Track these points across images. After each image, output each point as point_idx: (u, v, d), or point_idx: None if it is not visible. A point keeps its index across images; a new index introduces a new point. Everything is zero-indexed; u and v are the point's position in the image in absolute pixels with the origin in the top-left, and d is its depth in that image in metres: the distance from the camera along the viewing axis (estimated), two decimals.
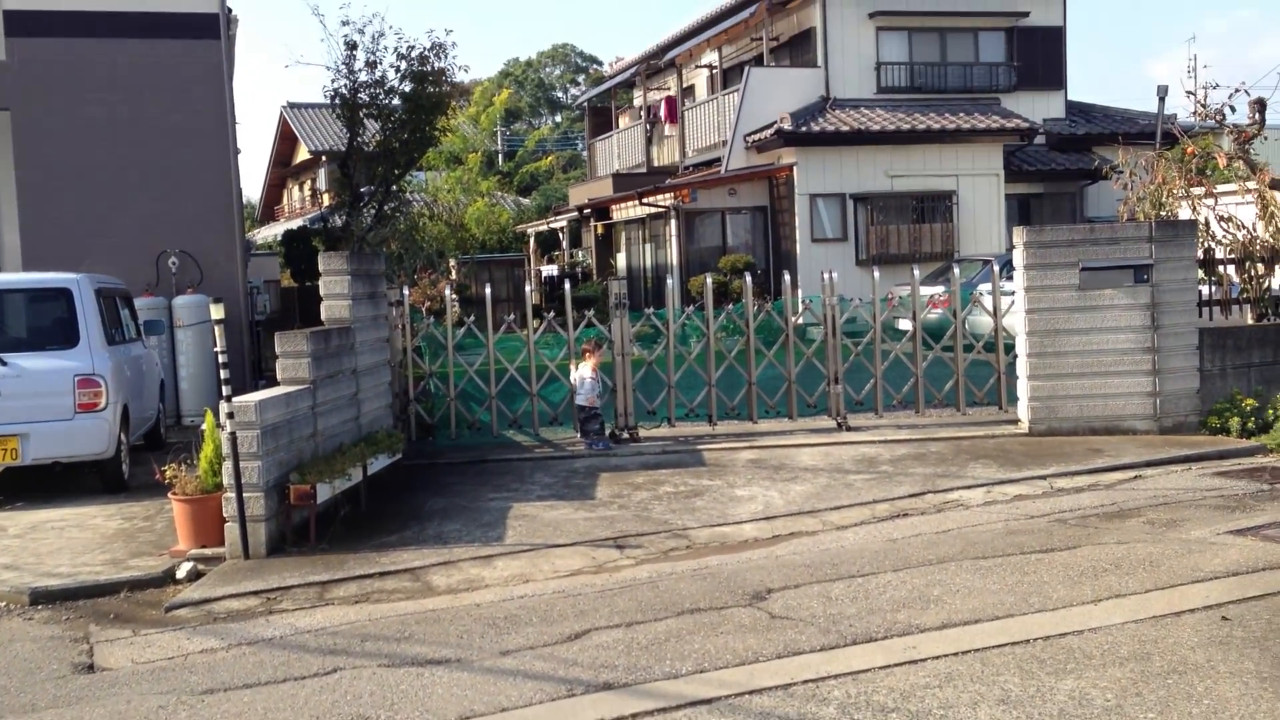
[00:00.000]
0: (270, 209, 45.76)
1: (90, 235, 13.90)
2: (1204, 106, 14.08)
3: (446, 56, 18.96)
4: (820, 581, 6.90)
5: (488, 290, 11.83)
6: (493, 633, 6.18)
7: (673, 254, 24.28)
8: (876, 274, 12.29)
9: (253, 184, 52.18)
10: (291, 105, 39.96)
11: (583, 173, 39.96)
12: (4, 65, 13.97)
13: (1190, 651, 5.40)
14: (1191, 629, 5.73)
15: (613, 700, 5.06)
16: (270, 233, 36.76)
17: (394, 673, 5.57)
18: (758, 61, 25.80)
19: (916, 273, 12.51)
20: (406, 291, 11.46)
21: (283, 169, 43.41)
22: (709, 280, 12.11)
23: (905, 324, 12.34)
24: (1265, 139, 13.84)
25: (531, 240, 35.05)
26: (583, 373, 11.15)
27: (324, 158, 34.70)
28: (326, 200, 29.20)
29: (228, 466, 7.77)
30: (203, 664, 5.96)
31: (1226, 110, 13.72)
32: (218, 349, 7.93)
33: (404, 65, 18.71)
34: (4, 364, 9.60)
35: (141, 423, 11.30)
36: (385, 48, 20.36)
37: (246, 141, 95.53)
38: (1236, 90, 13.54)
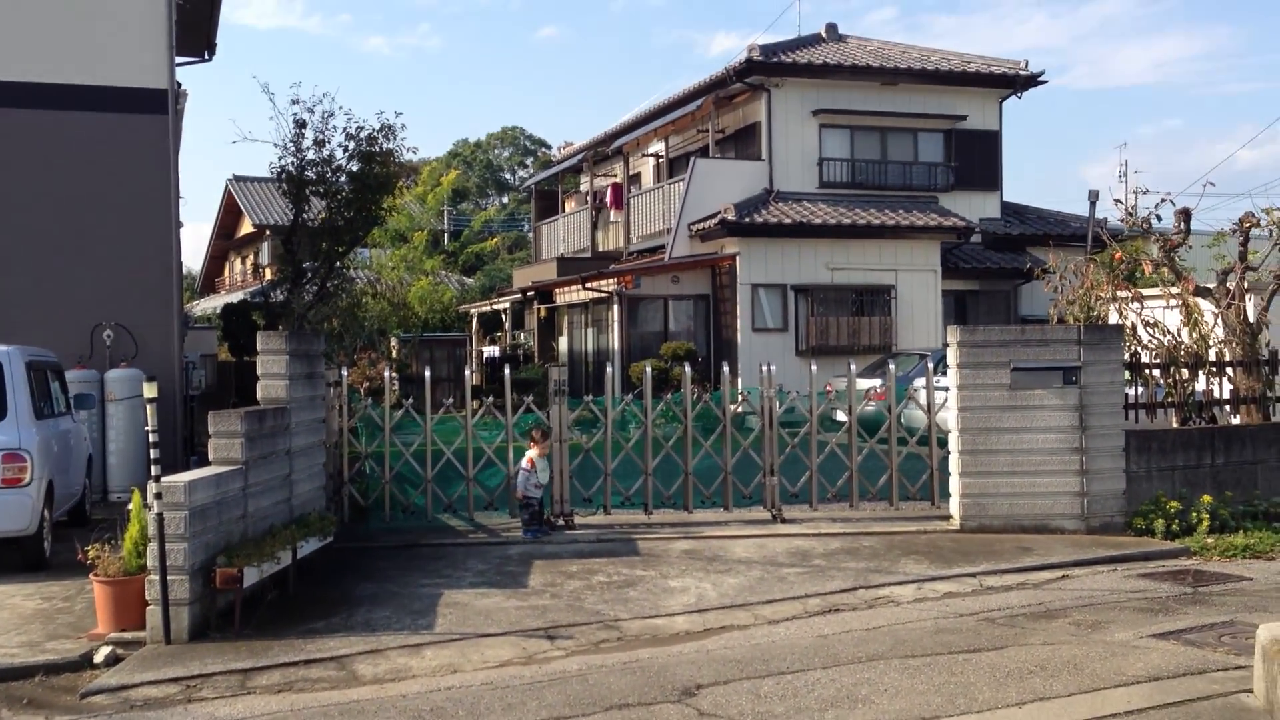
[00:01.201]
0: (211, 280, 45.44)
1: (24, 304, 13.71)
2: (1131, 215, 14.59)
3: (395, 138, 19.20)
4: (750, 678, 6.89)
5: (427, 373, 11.81)
6: None
7: (615, 339, 24.43)
8: (814, 367, 12.46)
9: (194, 254, 51.82)
10: (237, 179, 39.95)
11: (528, 254, 40.25)
12: None
13: None
14: None
15: None
16: (210, 304, 36.48)
17: None
18: (703, 153, 26.29)
19: (853, 367, 12.69)
20: (345, 372, 11.41)
21: (226, 241, 43.24)
22: (648, 369, 12.20)
23: (842, 415, 12.50)
24: (1190, 247, 14.31)
25: (474, 320, 35.09)
26: (523, 464, 11.09)
27: (268, 232, 34.66)
28: (268, 274, 29.13)
29: (153, 548, 7.64)
30: None
31: (1153, 219, 14.23)
32: (149, 428, 7.85)
33: (352, 145, 18.90)
34: None
35: (66, 499, 11.08)
36: (334, 127, 20.59)
37: (190, 210, 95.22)
38: (1163, 200, 14.05)
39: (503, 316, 34.07)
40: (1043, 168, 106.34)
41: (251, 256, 39.80)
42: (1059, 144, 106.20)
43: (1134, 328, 12.98)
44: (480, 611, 8.49)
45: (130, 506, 8.15)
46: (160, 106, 14.44)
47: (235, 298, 29.74)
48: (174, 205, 14.79)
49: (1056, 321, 13.26)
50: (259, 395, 9.85)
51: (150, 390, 7.85)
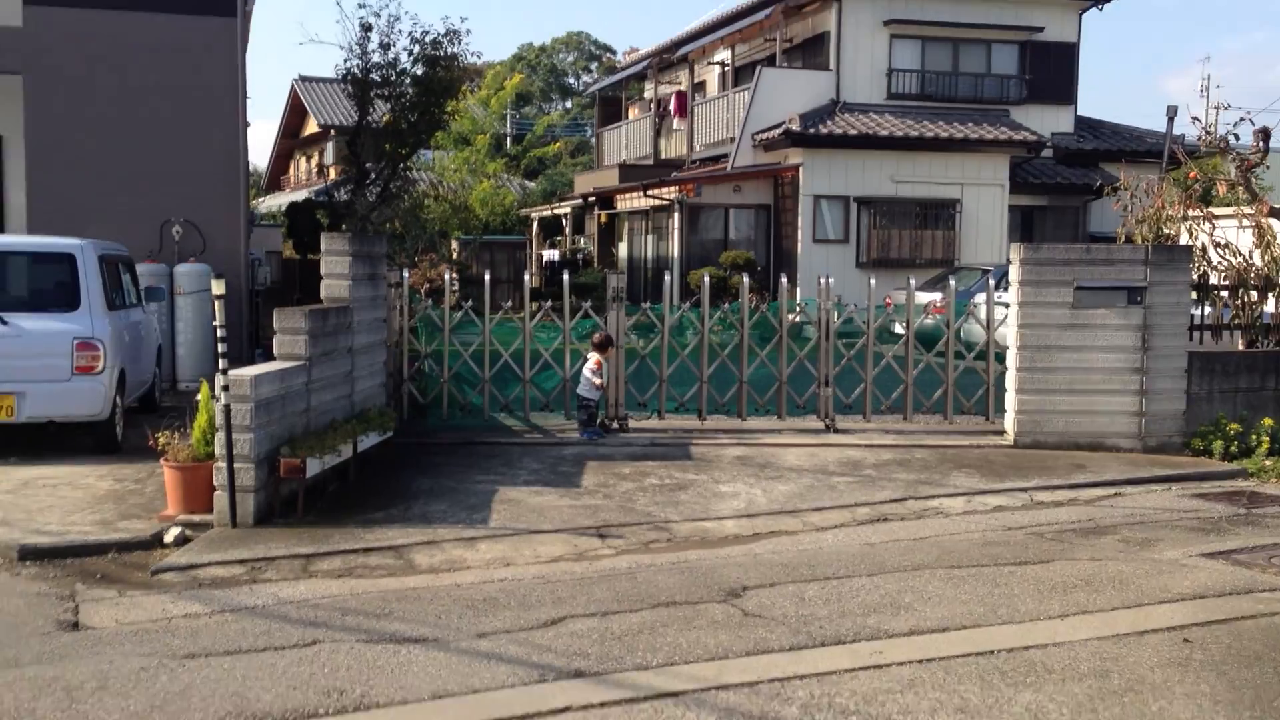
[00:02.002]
0: (276, 179, 45.82)
1: (97, 200, 13.99)
2: (1209, 133, 14.21)
3: (460, 43, 19.15)
4: (795, 582, 7.02)
5: (486, 275, 11.92)
6: (471, 614, 6.30)
7: (674, 246, 24.40)
8: (873, 280, 12.40)
9: (260, 152, 52.13)
10: (303, 79, 40.02)
11: (590, 159, 40.07)
12: (19, 31, 14.04)
13: (1149, 671, 5.53)
14: (1153, 649, 5.86)
15: (582, 688, 5.18)
16: (275, 202, 36.84)
17: (372, 649, 5.69)
18: (770, 62, 25.88)
19: (913, 280, 12.60)
20: (406, 273, 11.56)
21: (291, 140, 43.49)
22: (706, 278, 12.22)
23: (900, 328, 12.45)
24: (1268, 167, 13.94)
25: (535, 224, 35.14)
26: (589, 364, 11.22)
27: (332, 132, 34.77)
28: (333, 174, 29.34)
29: (220, 438, 7.88)
30: (185, 628, 6.08)
31: (1231, 138, 13.85)
32: (216, 323, 8.04)
33: (417, 49, 18.88)
34: (4, 323, 9.70)
35: (137, 386, 11.41)
36: (399, 31, 20.54)
37: (256, 109, 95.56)
38: (1243, 118, 13.70)
39: (563, 221, 34.08)
40: (1120, 81, 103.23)
41: (316, 156, 40.03)
42: (1138, 56, 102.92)
43: (1204, 249, 12.73)
44: (534, 509, 8.68)
45: (199, 397, 8.40)
46: (229, 9, 14.53)
47: (300, 196, 30.01)
48: (241, 105, 14.93)
49: (1124, 240, 13.02)
50: (322, 294, 10.02)
51: (218, 287, 8.03)
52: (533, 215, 35.26)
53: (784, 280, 12.22)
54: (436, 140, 28.48)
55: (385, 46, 18.60)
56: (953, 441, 11.50)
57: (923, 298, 13.75)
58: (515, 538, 7.98)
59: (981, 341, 12.21)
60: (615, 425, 11.59)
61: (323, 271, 10.00)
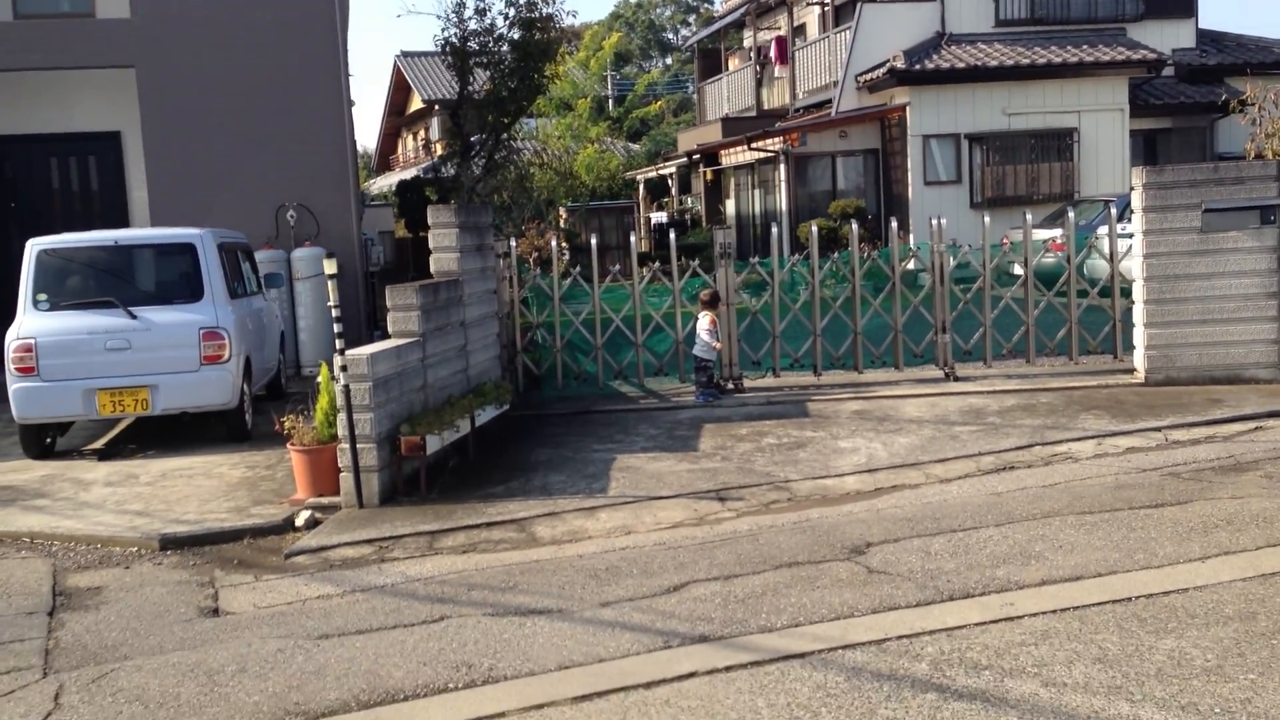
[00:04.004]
0: (385, 159, 46.54)
1: (213, 189, 14.35)
2: None
3: (554, 2, 19.06)
4: (920, 536, 6.89)
5: (593, 241, 11.91)
6: (594, 584, 6.33)
7: (782, 199, 24.06)
8: (987, 219, 12.05)
9: (368, 133, 52.97)
10: (405, 54, 40.44)
11: (693, 117, 39.73)
12: (128, 23, 14.43)
13: None
14: None
15: (707, 653, 5.16)
16: (385, 183, 37.44)
17: (498, 622, 5.76)
18: None
19: (1029, 217, 12.21)
20: (514, 243, 11.61)
21: (397, 118, 44.07)
22: (814, 229, 12.03)
23: (1019, 269, 12.09)
24: None
25: (641, 187, 35.05)
26: (704, 324, 11.12)
27: (436, 106, 35.11)
28: (439, 150, 29.64)
29: (342, 419, 8.04)
30: (319, 609, 6.24)
31: None
32: (331, 303, 8.19)
33: (512, 12, 18.86)
34: (134, 317, 10.03)
35: (263, 373, 11.72)
36: None
37: (361, 91, 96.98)
38: None
39: (669, 181, 33.92)
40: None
41: (422, 132, 40.50)
42: None
43: None
44: (652, 475, 8.68)
45: (319, 379, 8.58)
46: None
47: (409, 174, 30.43)
48: (345, 83, 15.12)
49: (1254, 157, 12.40)
50: (432, 268, 10.13)
51: (330, 266, 8.16)
52: (638, 177, 35.17)
53: (894, 225, 11.90)
54: (538, 107, 28.56)
55: (481, 13, 18.64)
56: (1079, 383, 11.14)
57: (1041, 235, 13.33)
58: (635, 505, 7.99)
59: (1105, 276, 11.78)
60: (730, 385, 11.51)
61: (431, 245, 10.11)
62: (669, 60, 63.07)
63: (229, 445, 10.41)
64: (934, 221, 11.74)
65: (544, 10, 19.05)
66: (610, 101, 41.99)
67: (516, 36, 19.00)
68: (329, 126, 14.95)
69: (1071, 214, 12.70)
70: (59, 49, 14.34)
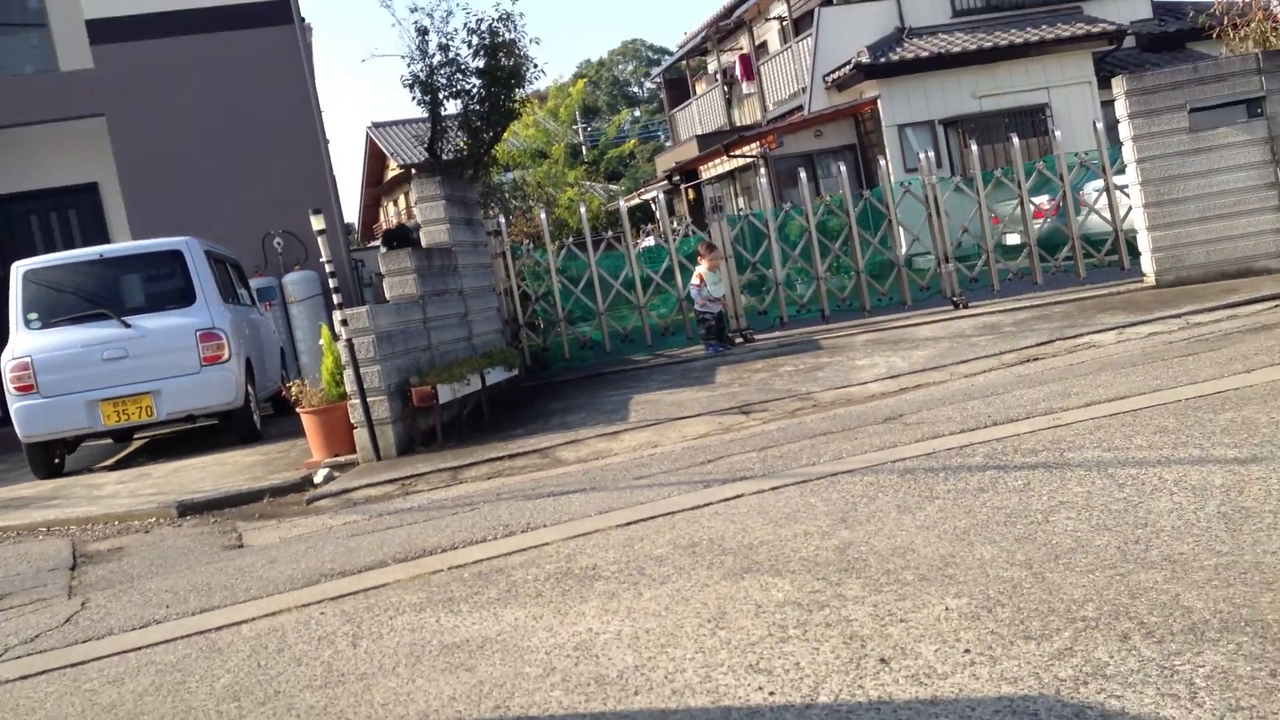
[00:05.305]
0: (369, 228, 46.65)
1: (196, 226, 14.11)
2: None
3: (516, 27, 19.13)
4: (953, 403, 6.71)
5: (582, 210, 11.82)
6: (626, 474, 6.13)
7: (766, 204, 24.01)
8: (974, 149, 11.99)
9: (349, 207, 53.11)
10: (376, 125, 40.74)
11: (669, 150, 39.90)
12: (94, 74, 14.43)
13: None
14: None
15: (751, 484, 4.97)
16: (373, 245, 37.44)
17: (532, 501, 5.57)
18: (827, 3, 25.44)
19: (1016, 141, 12.14)
20: (504, 220, 11.50)
21: (375, 188, 44.27)
22: (801, 172, 11.93)
23: (1012, 238, 12.04)
24: None
25: (625, 217, 35.02)
26: (692, 280, 11.01)
27: (413, 171, 35.24)
28: (419, 214, 29.66)
29: (349, 374, 7.87)
30: (346, 529, 6.02)
31: None
32: (324, 259, 8.04)
33: (475, 40, 18.93)
34: (129, 326, 9.86)
35: (267, 384, 11.53)
36: (455, 29, 20.63)
37: (338, 165, 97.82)
38: None
39: (653, 206, 33.98)
40: None
41: (402, 198, 40.65)
42: None
43: None
44: (672, 403, 8.50)
45: (320, 342, 8.41)
46: (286, 16, 14.73)
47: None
48: (317, 111, 15.11)
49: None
50: (423, 241, 10.00)
51: (318, 222, 8.05)
52: (622, 206, 35.23)
53: (883, 162, 11.84)
54: (512, 158, 28.60)
55: (444, 47, 18.70)
56: (1092, 293, 11.00)
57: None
58: (658, 425, 7.79)
59: (1100, 231, 11.74)
60: (739, 339, 11.35)
61: (420, 219, 10.00)
62: (636, 111, 63.64)
63: (240, 446, 10.16)
64: (922, 156, 11.67)
65: (506, 36, 19.13)
66: (584, 147, 42.21)
67: (481, 65, 19.05)
68: (307, 153, 14.89)
69: (1058, 133, 12.64)
70: (26, 106, 14.31)
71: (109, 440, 11.47)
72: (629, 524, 4.54)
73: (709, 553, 3.93)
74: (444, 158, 18.73)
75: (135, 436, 11.91)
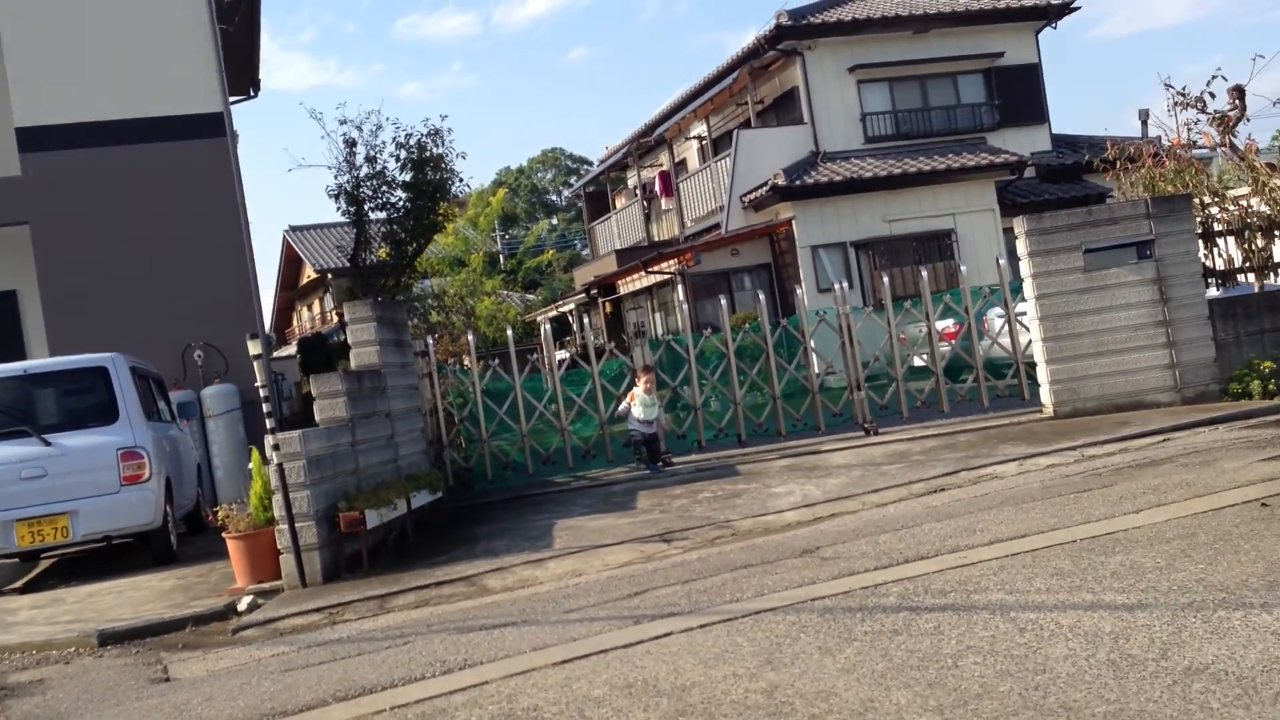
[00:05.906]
0: (281, 332, 46.35)
1: (116, 336, 14.07)
2: (1183, 96, 14.49)
3: (443, 142, 19.57)
4: (867, 536, 7.04)
5: (509, 332, 12.09)
6: (554, 606, 6.31)
7: (683, 320, 24.52)
8: (886, 281, 12.56)
9: (262, 310, 52.88)
10: (293, 228, 40.84)
11: (586, 261, 40.55)
12: (19, 181, 14.45)
13: (1233, 528, 5.54)
14: (1233, 516, 5.87)
15: (679, 620, 5.20)
16: (285, 354, 37.23)
17: (466, 635, 5.71)
18: (745, 125, 26.43)
19: (925, 274, 12.75)
20: (431, 340, 11.72)
21: (289, 292, 44.14)
22: (723, 300, 12.38)
23: (919, 361, 12.63)
24: (1249, 119, 14.18)
25: (542, 329, 35.36)
26: (638, 394, 11.19)
27: (329, 276, 35.35)
28: (335, 319, 29.72)
29: (278, 499, 7.96)
30: (276, 662, 6.08)
31: (1207, 97, 14.12)
32: (258, 383, 8.18)
33: (403, 154, 19.30)
34: (48, 444, 9.82)
35: (184, 502, 11.48)
36: (383, 142, 20.96)
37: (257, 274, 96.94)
38: (1214, 77, 13.97)
39: (569, 319, 34.42)
40: (1090, 109, 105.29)
41: (316, 303, 40.61)
42: (1104, 82, 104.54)
43: (1201, 201, 12.88)
44: (594, 530, 8.70)
45: (250, 466, 8.49)
46: (218, 129, 14.94)
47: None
48: (244, 223, 15.26)
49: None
50: (353, 363, 10.17)
51: (254, 347, 8.20)
52: (539, 319, 35.62)
53: (799, 290, 12.34)
54: (431, 265, 28.86)
55: (371, 159, 19.04)
56: (994, 423, 11.52)
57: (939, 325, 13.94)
58: (582, 553, 7.99)
59: (1001, 357, 12.41)
60: (659, 463, 11.61)
61: (350, 340, 10.18)
62: (555, 220, 64.58)
63: (156, 568, 10.08)
64: (837, 285, 12.21)
65: (434, 151, 19.55)
66: (502, 257, 42.70)
67: (408, 179, 19.40)
68: (231, 265, 14.97)
69: (964, 268, 13.29)
70: None
71: (14, 559, 11.25)
72: (565, 661, 4.73)
73: (644, 694, 4.14)
74: (366, 265, 18.95)
75: (43, 556, 11.69)
